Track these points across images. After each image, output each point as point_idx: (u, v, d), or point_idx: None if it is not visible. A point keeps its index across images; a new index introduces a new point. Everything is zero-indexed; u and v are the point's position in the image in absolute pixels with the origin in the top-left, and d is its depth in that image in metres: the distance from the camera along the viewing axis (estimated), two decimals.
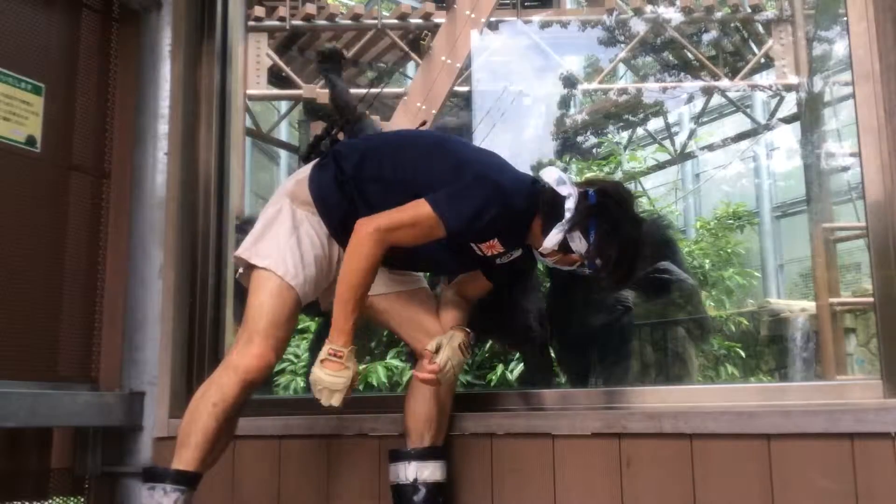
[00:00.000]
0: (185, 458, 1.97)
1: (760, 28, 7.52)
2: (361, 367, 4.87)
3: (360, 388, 4.86)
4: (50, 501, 2.60)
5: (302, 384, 5.15)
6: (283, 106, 8.83)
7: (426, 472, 2.12)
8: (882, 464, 1.83)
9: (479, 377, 4.96)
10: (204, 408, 1.98)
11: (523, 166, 2.89)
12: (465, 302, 2.22)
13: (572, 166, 7.62)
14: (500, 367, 4.85)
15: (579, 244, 1.96)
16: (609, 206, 1.98)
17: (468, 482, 2.26)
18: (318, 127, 6.73)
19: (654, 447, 2.06)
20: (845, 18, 2.18)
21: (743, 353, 6.36)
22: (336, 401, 1.92)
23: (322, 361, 1.92)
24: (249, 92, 6.56)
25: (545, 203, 2.00)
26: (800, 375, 6.06)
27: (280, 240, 2.07)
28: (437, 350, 2.02)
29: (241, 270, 2.17)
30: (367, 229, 1.92)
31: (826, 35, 6.18)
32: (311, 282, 2.07)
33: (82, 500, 2.68)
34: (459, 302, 2.21)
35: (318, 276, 2.09)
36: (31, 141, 2.54)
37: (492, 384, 4.81)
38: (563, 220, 1.95)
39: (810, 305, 6.18)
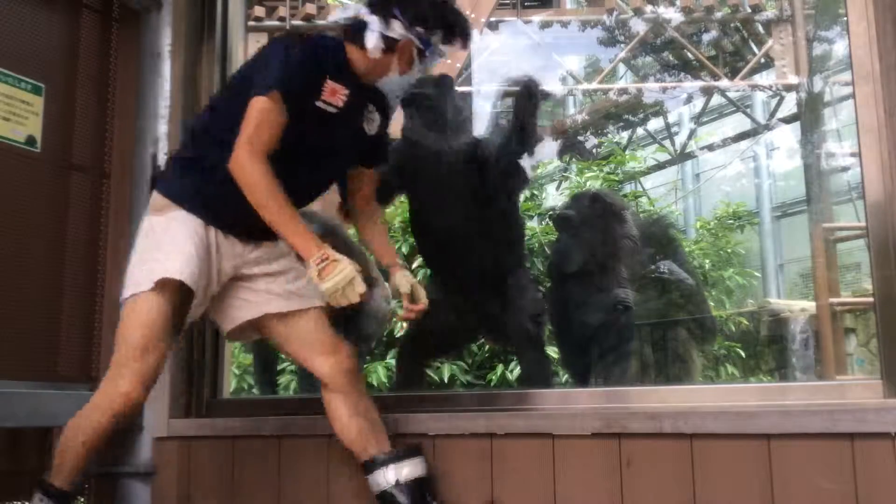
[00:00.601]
0: (59, 479, 2.06)
1: (760, 28, 7.51)
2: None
3: None
4: None
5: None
6: None
7: (405, 470, 2.11)
8: (882, 464, 1.83)
9: (479, 377, 4.96)
10: (73, 444, 2.05)
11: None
12: (378, 224, 2.37)
13: (572, 166, 7.61)
14: (500, 367, 4.84)
15: (398, 28, 2.05)
16: None
17: (468, 482, 2.26)
18: None
19: (654, 447, 2.06)
20: (845, 18, 2.18)
21: (743, 353, 6.35)
22: (360, 287, 1.95)
23: (319, 275, 1.93)
24: None
25: (345, 32, 2.11)
26: (800, 375, 6.05)
27: (151, 251, 2.05)
28: (412, 290, 2.21)
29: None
30: (235, 158, 1.95)
31: (826, 35, 6.17)
32: (196, 268, 2.03)
33: (82, 500, 2.67)
34: (374, 228, 2.35)
35: (201, 265, 2.05)
36: (31, 141, 2.54)
37: (492, 384, 4.80)
38: (367, 21, 2.05)
39: (810, 305, 6.16)
